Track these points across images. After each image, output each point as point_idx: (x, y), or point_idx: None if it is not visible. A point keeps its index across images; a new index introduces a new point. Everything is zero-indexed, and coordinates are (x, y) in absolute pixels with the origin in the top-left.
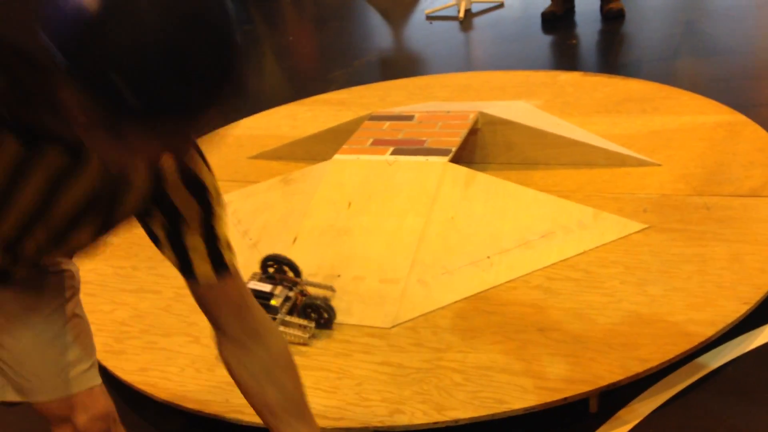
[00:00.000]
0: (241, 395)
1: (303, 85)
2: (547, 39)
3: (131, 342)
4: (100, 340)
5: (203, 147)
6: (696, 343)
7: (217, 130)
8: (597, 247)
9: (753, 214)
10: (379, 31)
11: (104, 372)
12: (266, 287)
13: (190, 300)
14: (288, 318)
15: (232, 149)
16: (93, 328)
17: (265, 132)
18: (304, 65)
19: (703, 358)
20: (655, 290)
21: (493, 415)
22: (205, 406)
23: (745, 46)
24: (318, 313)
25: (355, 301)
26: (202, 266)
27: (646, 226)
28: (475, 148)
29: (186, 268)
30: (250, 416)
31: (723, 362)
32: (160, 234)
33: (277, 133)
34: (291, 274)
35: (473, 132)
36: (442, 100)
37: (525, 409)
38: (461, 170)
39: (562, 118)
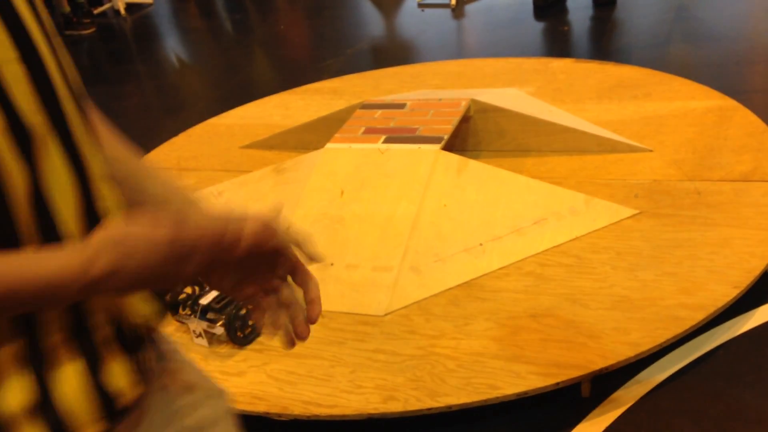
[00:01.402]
0: (236, 384)
1: (295, 74)
2: (539, 26)
3: None
4: None
5: (195, 137)
6: (687, 328)
7: (208, 120)
8: (589, 233)
9: (744, 199)
10: (371, 20)
11: None
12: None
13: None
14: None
15: (223, 139)
16: None
17: (257, 121)
18: (295, 54)
19: (694, 342)
20: (646, 275)
21: (486, 400)
22: None
23: (736, 31)
24: (242, 327)
25: (348, 289)
26: None
27: (637, 211)
28: (467, 136)
29: None
30: (244, 405)
31: (714, 346)
32: None
33: (269, 123)
34: None
35: (465, 119)
36: (434, 88)
37: (518, 394)
38: (453, 158)
39: (554, 104)
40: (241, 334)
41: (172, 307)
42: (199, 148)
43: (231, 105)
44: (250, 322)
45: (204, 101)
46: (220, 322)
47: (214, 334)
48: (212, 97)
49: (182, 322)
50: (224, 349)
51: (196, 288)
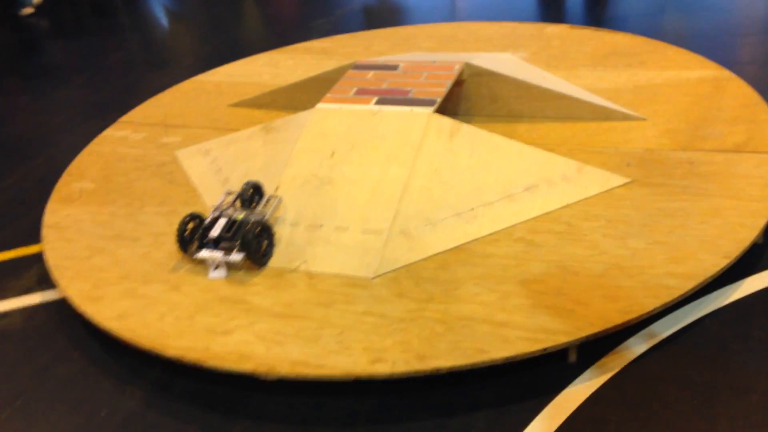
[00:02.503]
0: (222, 343)
1: (284, 32)
2: None
3: (109, 289)
4: (77, 286)
5: (182, 94)
6: (676, 296)
7: (196, 77)
8: (580, 201)
9: (736, 170)
10: None
11: (81, 319)
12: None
13: (170, 247)
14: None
15: (211, 96)
16: (69, 273)
17: (245, 79)
18: (284, 13)
19: (682, 311)
20: (636, 243)
21: (473, 364)
22: (186, 353)
23: (730, 2)
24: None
25: (338, 252)
26: None
27: (629, 180)
28: (459, 100)
29: None
30: (231, 363)
31: (702, 315)
32: None
33: (258, 81)
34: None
35: (458, 83)
36: (427, 51)
37: (505, 358)
38: (446, 121)
39: (548, 70)
40: (260, 255)
41: (182, 244)
42: (187, 105)
43: (219, 62)
44: (264, 243)
45: (191, 57)
46: (235, 249)
47: (232, 262)
48: (200, 53)
49: (197, 257)
50: (212, 305)
51: (196, 221)
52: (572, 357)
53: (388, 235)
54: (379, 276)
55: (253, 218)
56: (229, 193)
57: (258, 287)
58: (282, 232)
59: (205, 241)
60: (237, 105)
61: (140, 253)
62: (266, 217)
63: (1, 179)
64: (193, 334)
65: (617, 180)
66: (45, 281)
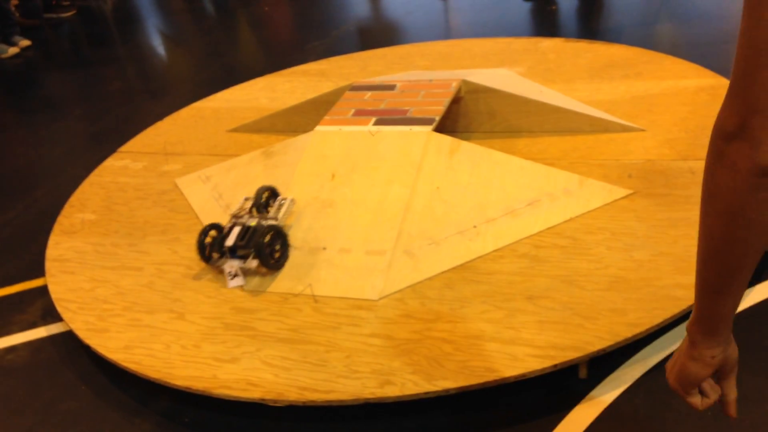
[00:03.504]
0: (230, 371)
1: (280, 56)
2: (527, 5)
3: (114, 320)
4: (81, 319)
5: (180, 121)
6: (684, 308)
7: (194, 104)
8: (583, 214)
9: None
10: (356, 0)
11: (87, 351)
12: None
13: (173, 276)
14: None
15: (210, 122)
16: (74, 306)
17: (243, 104)
18: (280, 36)
19: None
20: (641, 255)
21: (483, 383)
22: (193, 382)
23: (724, 9)
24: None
25: (342, 274)
26: None
27: (631, 191)
28: (458, 117)
29: None
30: (239, 391)
31: None
32: None
33: (255, 106)
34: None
35: (456, 100)
36: (423, 69)
37: (515, 377)
38: (445, 139)
39: (544, 84)
40: (272, 261)
41: (205, 257)
42: (186, 132)
43: (216, 88)
44: (277, 248)
45: (188, 84)
46: (251, 256)
47: (248, 269)
48: (197, 80)
49: (218, 267)
50: (217, 333)
51: (215, 231)
52: (583, 373)
53: (392, 256)
54: (384, 297)
55: (265, 224)
56: (247, 199)
57: (263, 312)
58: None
59: (222, 251)
60: (236, 130)
61: (144, 283)
62: (278, 221)
63: (3, 213)
64: (200, 363)
65: (619, 192)
66: (50, 314)
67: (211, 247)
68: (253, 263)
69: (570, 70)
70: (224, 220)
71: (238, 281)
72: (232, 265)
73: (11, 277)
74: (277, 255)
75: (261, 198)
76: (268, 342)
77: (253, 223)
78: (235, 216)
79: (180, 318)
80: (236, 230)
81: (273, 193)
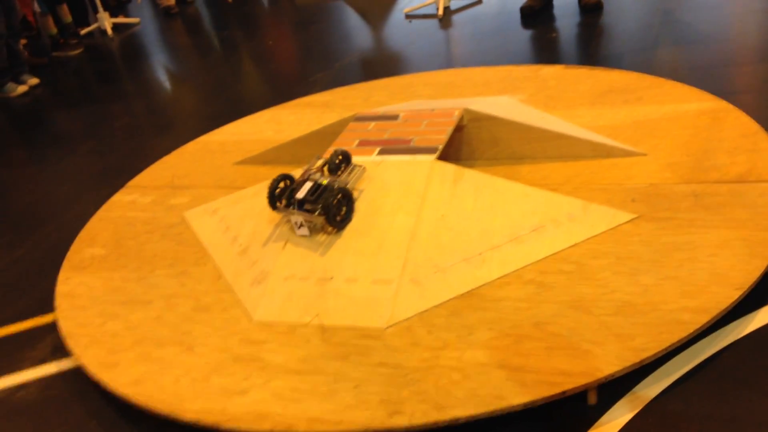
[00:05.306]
0: (239, 404)
1: (284, 88)
2: (527, 33)
3: (124, 354)
4: (91, 354)
5: (187, 155)
6: (691, 331)
7: (200, 137)
8: (588, 239)
9: (740, 200)
10: (358, 32)
11: (97, 386)
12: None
13: (182, 309)
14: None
15: (216, 155)
16: (84, 341)
17: (249, 137)
18: (284, 69)
19: (698, 346)
20: (647, 279)
21: (492, 411)
22: (203, 416)
23: (723, 33)
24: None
25: (349, 303)
26: None
27: (635, 215)
28: (461, 145)
29: None
30: (248, 424)
31: (718, 349)
32: None
33: (261, 138)
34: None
35: (459, 129)
36: (425, 99)
37: (524, 404)
38: (449, 167)
39: (546, 111)
40: (338, 219)
41: (271, 201)
42: (192, 166)
43: (222, 121)
44: (343, 210)
45: (195, 118)
46: (317, 212)
47: (313, 223)
48: (203, 114)
49: (283, 213)
50: (226, 365)
51: (287, 181)
52: (592, 399)
53: (399, 284)
54: (392, 326)
55: (336, 185)
56: (319, 158)
57: (271, 344)
58: (292, 287)
59: (291, 201)
60: (242, 163)
61: (153, 317)
62: (349, 185)
63: (13, 250)
64: (209, 396)
65: (623, 216)
66: (59, 350)
67: (280, 195)
68: (318, 219)
69: (571, 96)
70: (231, 252)
71: (304, 231)
72: (299, 215)
73: (22, 313)
74: (342, 215)
75: (335, 160)
76: (276, 373)
77: (324, 181)
78: (306, 172)
79: (189, 350)
80: (308, 185)
81: (345, 158)
